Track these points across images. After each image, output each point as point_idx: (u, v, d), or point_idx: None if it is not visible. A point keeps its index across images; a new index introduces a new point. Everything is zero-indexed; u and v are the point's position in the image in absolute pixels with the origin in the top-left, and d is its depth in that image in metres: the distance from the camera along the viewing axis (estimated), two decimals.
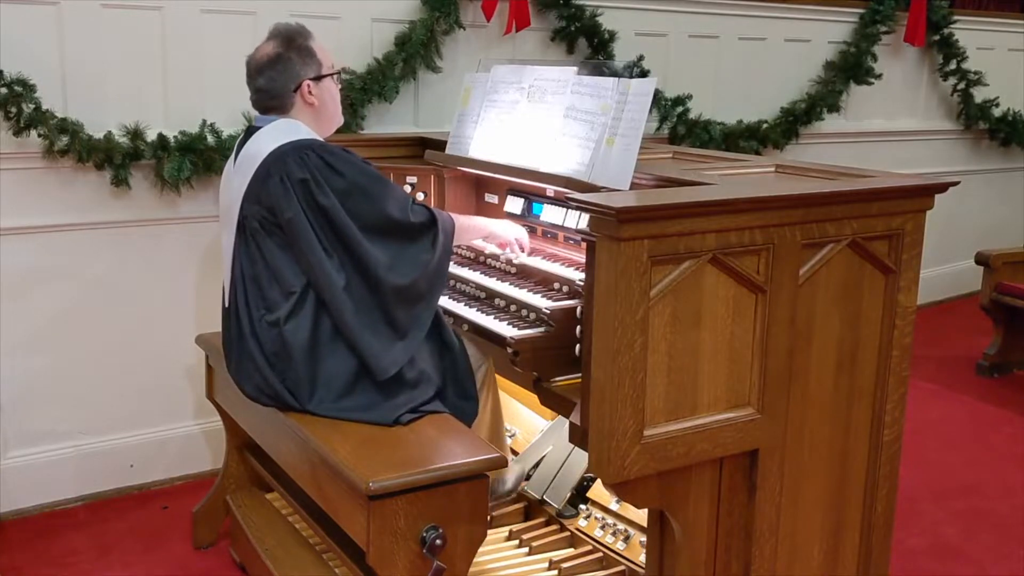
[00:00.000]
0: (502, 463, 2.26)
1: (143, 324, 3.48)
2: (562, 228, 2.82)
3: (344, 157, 2.41)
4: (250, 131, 2.55)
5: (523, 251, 2.81)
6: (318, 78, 2.56)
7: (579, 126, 2.61)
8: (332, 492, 2.26)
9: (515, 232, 2.83)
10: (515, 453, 3.22)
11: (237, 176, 2.50)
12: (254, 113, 3.40)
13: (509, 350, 2.35)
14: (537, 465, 3.08)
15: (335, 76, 2.64)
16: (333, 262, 2.36)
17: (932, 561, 3.16)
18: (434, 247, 2.45)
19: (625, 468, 1.98)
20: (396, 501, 2.09)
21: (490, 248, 2.87)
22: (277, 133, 2.47)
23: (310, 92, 2.54)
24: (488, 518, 2.34)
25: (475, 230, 2.78)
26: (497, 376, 2.74)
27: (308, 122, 2.54)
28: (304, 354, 2.38)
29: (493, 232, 2.82)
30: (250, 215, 2.44)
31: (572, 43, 4.30)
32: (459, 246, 2.93)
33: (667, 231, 1.92)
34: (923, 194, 2.30)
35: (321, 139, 2.50)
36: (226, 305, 2.57)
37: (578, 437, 2.12)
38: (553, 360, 2.33)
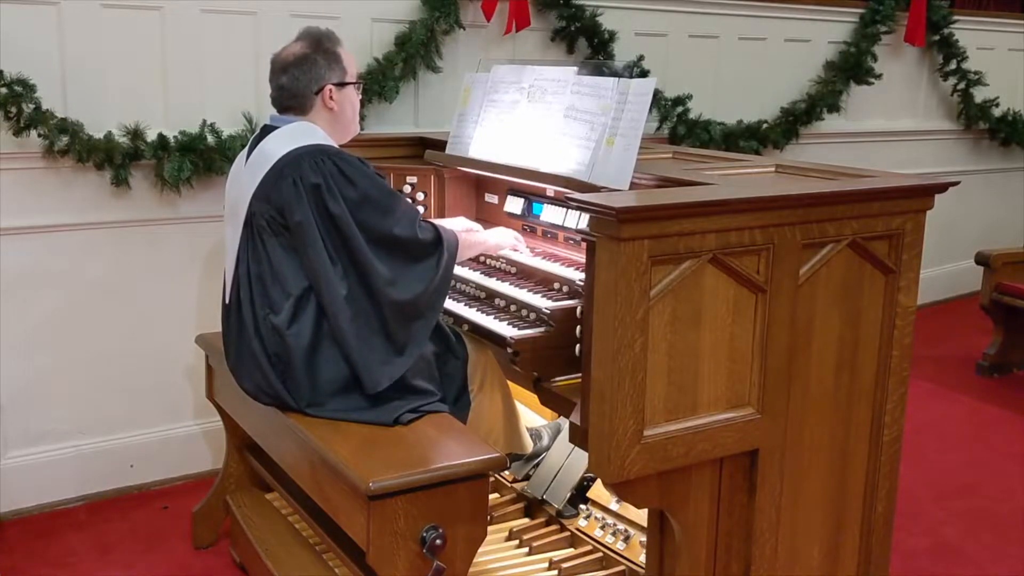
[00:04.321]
0: (502, 463, 2.26)
1: (143, 324, 3.48)
2: (562, 228, 2.82)
3: (359, 168, 2.41)
4: (266, 130, 2.54)
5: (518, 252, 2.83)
6: (341, 84, 2.57)
7: (579, 126, 2.61)
8: (332, 492, 2.27)
9: (510, 241, 2.85)
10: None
11: (248, 173, 2.49)
12: (255, 112, 3.43)
13: (509, 350, 2.35)
14: (537, 465, 3.08)
15: (357, 86, 2.65)
16: (337, 270, 2.37)
17: (932, 561, 3.16)
18: (438, 266, 2.45)
19: (625, 468, 1.98)
20: (396, 501, 2.09)
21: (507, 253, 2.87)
22: (294, 135, 2.47)
23: (331, 97, 2.55)
24: (488, 518, 2.35)
25: (476, 246, 2.79)
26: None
27: (325, 127, 2.54)
28: (304, 359, 2.38)
29: (494, 245, 2.83)
30: (258, 213, 2.44)
31: (572, 43, 4.30)
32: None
33: (667, 231, 1.92)
34: (923, 194, 2.30)
35: (337, 146, 2.50)
36: (226, 302, 2.57)
37: (578, 437, 2.12)
38: (553, 360, 2.33)
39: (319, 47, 2.55)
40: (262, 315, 2.43)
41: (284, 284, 2.41)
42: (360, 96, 2.70)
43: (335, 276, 2.36)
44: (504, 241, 2.85)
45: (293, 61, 2.53)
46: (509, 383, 2.81)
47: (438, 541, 2.11)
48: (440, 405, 2.47)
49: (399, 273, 2.39)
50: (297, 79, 2.52)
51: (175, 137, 3.30)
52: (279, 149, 2.43)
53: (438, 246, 2.47)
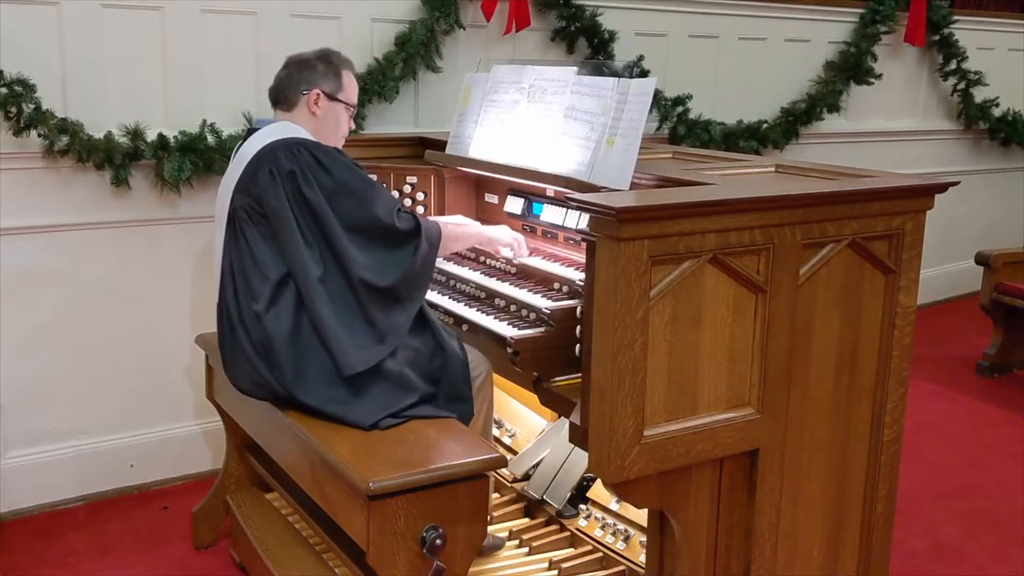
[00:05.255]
0: (502, 463, 2.26)
1: (143, 324, 3.48)
2: (562, 228, 2.82)
3: (335, 157, 2.47)
4: (250, 132, 2.61)
5: (520, 251, 2.79)
6: (331, 97, 2.62)
7: (579, 126, 2.61)
8: (332, 492, 2.27)
9: (507, 238, 2.80)
10: (514, 452, 3.22)
11: (231, 171, 2.56)
12: (255, 112, 3.44)
13: (509, 350, 2.35)
14: (537, 465, 3.08)
15: (349, 109, 2.69)
16: (313, 253, 2.40)
17: (932, 561, 3.16)
18: (415, 255, 2.47)
19: (625, 468, 1.98)
20: (396, 501, 2.09)
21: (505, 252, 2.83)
22: (274, 132, 2.54)
23: (316, 102, 2.60)
24: (488, 518, 2.35)
25: (469, 238, 2.78)
26: (497, 376, 2.73)
27: (308, 129, 2.58)
28: (287, 344, 2.39)
29: (492, 238, 2.80)
30: (239, 206, 2.48)
31: (572, 43, 4.30)
32: (457, 253, 2.93)
33: (667, 231, 1.92)
34: (923, 194, 2.30)
35: (316, 140, 2.53)
36: (217, 300, 2.58)
37: (578, 437, 2.12)
38: (553, 360, 2.33)
39: (325, 58, 2.65)
40: (246, 305, 2.45)
41: (264, 271, 2.44)
42: (351, 123, 2.73)
43: (310, 259, 2.39)
44: (500, 236, 2.80)
45: (296, 60, 2.65)
46: (509, 383, 2.81)
47: (438, 541, 2.11)
48: (426, 408, 2.45)
49: (375, 260, 2.42)
50: (291, 77, 2.63)
51: (175, 137, 3.30)
52: (258, 145, 2.50)
53: (415, 235, 2.49)
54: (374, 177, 2.73)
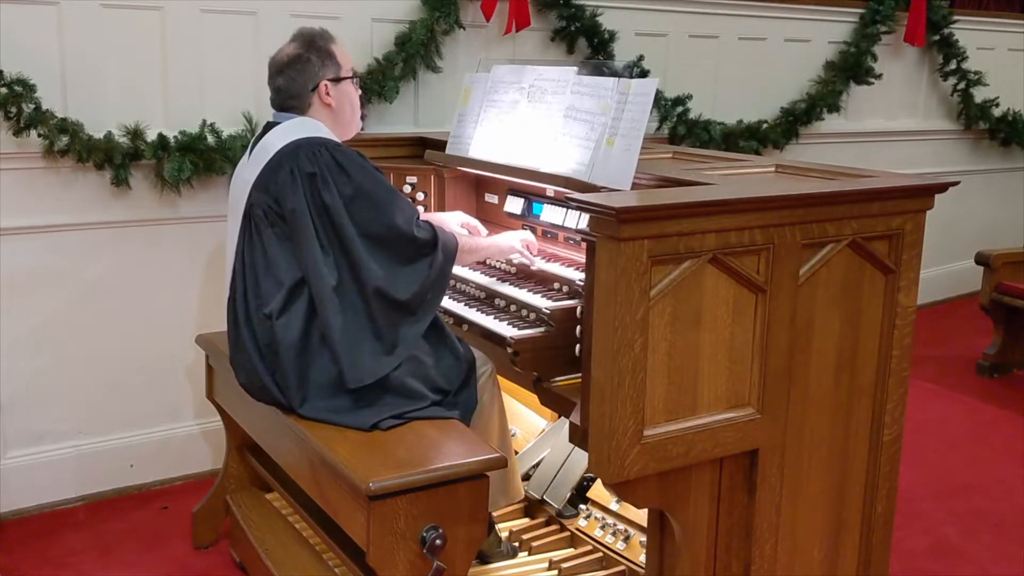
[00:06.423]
0: (502, 463, 2.25)
1: (143, 324, 3.48)
2: (562, 228, 2.82)
3: (357, 161, 2.43)
4: (268, 126, 2.57)
5: (532, 252, 2.77)
6: (336, 80, 2.59)
7: (579, 126, 2.61)
8: (332, 492, 2.27)
9: (516, 244, 2.76)
10: (515, 452, 3.22)
11: (250, 167, 2.52)
12: (255, 112, 3.44)
13: (509, 350, 2.35)
14: (537, 465, 3.08)
15: (354, 80, 2.67)
16: (328, 260, 2.37)
17: (932, 561, 3.16)
18: (431, 267, 2.43)
19: (625, 468, 1.98)
20: (396, 501, 2.09)
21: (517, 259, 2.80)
22: (295, 129, 2.50)
23: (327, 93, 2.57)
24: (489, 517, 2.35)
25: (483, 250, 2.74)
26: (498, 378, 2.73)
27: (326, 123, 2.56)
28: (293, 352, 2.37)
29: (498, 250, 2.77)
30: (256, 204, 2.46)
31: (572, 43, 4.30)
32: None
33: (667, 231, 1.92)
34: (923, 194, 2.30)
35: (338, 140, 2.52)
36: (228, 293, 2.58)
37: (578, 437, 2.12)
38: (553, 360, 2.33)
39: (312, 46, 2.58)
40: (254, 305, 2.44)
41: (277, 275, 2.42)
42: (359, 91, 2.71)
43: (324, 266, 2.36)
44: (513, 244, 2.76)
45: (287, 62, 2.57)
46: (509, 383, 2.80)
47: (438, 541, 2.11)
48: (435, 410, 2.43)
49: (391, 271, 2.39)
50: (293, 80, 2.56)
51: (175, 137, 3.30)
52: (279, 142, 2.47)
53: (433, 247, 2.45)
54: None
